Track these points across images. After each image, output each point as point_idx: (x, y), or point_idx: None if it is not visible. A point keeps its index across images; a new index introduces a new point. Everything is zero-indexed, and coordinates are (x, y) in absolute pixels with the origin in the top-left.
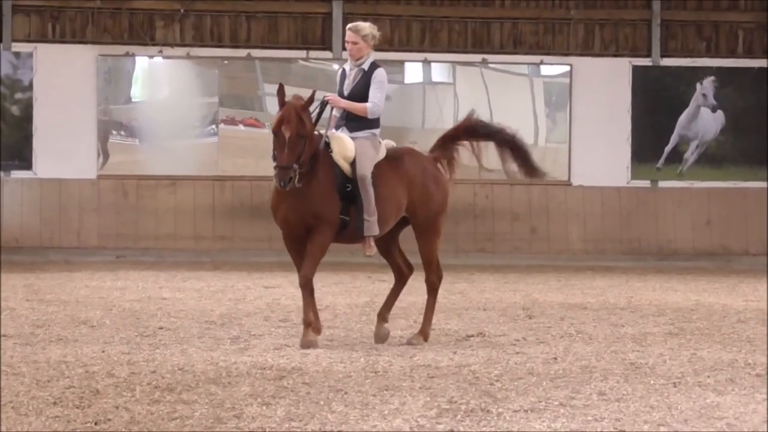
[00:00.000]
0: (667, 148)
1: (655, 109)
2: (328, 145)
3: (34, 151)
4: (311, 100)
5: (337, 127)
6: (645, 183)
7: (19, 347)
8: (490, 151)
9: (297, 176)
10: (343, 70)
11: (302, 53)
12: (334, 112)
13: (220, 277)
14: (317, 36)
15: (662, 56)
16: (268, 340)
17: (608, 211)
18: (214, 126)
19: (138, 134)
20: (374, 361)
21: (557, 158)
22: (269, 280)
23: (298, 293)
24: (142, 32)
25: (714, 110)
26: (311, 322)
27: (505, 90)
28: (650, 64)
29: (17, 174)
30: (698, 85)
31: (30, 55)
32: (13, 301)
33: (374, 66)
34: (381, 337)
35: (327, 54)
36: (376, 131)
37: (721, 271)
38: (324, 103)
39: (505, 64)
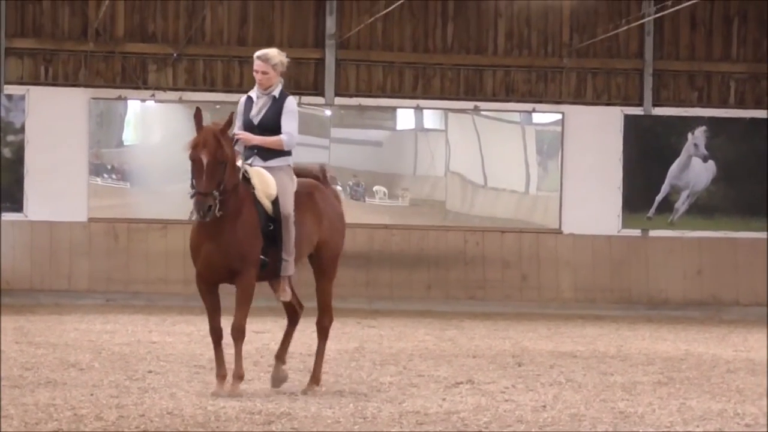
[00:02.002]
0: (658, 198)
1: (646, 158)
2: (247, 180)
3: (26, 193)
4: (230, 123)
5: (247, 158)
6: (636, 232)
7: (7, 389)
8: (478, 199)
9: (217, 205)
10: (249, 97)
11: (294, 99)
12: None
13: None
14: (310, 81)
15: (654, 105)
16: (257, 384)
17: (599, 259)
18: None
19: (129, 178)
20: (363, 407)
21: (548, 206)
22: (258, 324)
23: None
24: (134, 76)
25: (705, 160)
26: (242, 375)
27: (497, 137)
28: (642, 113)
29: (8, 216)
30: (690, 135)
31: (22, 97)
32: (3, 344)
33: (284, 94)
34: (279, 380)
35: (319, 99)
36: (290, 160)
37: (711, 321)
38: (234, 141)
39: (497, 112)
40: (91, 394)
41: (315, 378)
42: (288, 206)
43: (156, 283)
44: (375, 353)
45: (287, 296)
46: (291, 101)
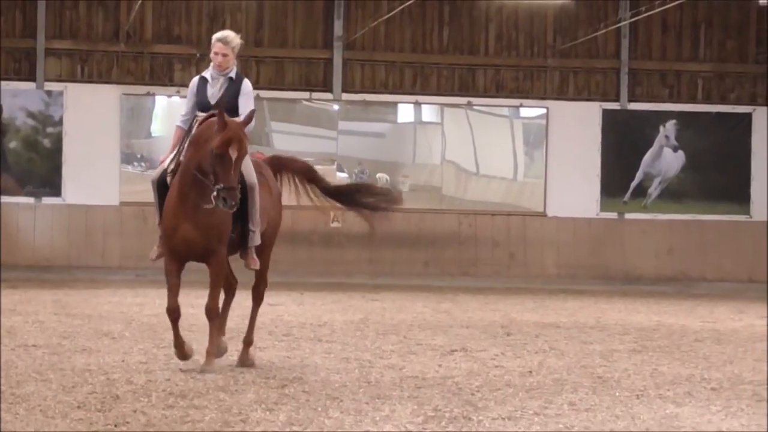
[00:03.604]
0: (633, 184)
1: (622, 148)
2: None
3: (64, 179)
4: (250, 118)
5: None
6: (613, 215)
7: (47, 356)
8: (471, 185)
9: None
10: (203, 78)
11: (306, 94)
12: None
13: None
14: (319, 79)
15: (629, 101)
16: (272, 352)
17: (579, 239)
18: None
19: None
20: (367, 373)
21: (534, 191)
22: (274, 298)
23: (300, 310)
24: (161, 74)
25: (675, 150)
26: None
27: (488, 130)
28: (619, 108)
29: (48, 200)
30: (661, 128)
31: (60, 93)
32: (43, 315)
33: (240, 76)
34: (219, 352)
35: (328, 95)
36: None
37: (681, 295)
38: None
39: (488, 107)
40: (123, 361)
41: (248, 340)
42: (252, 177)
43: None
44: (378, 324)
45: (257, 265)
46: (247, 83)
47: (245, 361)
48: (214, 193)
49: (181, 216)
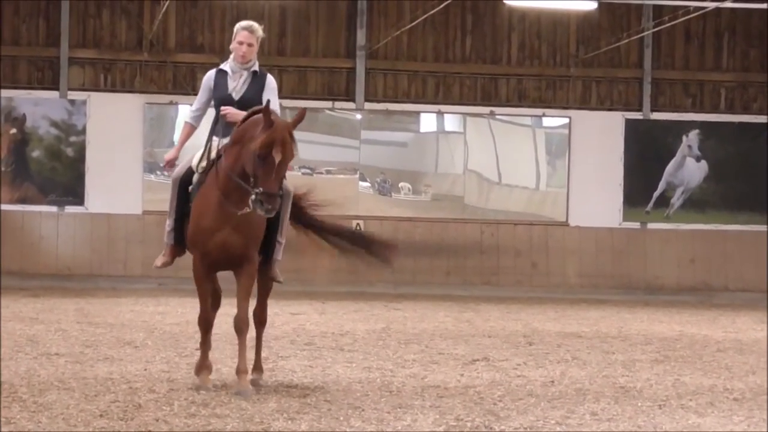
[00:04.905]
0: (656, 194)
1: (645, 158)
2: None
3: (86, 188)
4: (301, 118)
5: (225, 135)
6: (635, 224)
7: (69, 365)
8: (493, 195)
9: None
10: (221, 71)
11: (328, 104)
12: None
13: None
14: (342, 88)
15: (652, 111)
16: (293, 361)
17: (602, 249)
18: None
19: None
20: (389, 382)
21: (557, 201)
22: (295, 307)
23: (322, 319)
24: (184, 83)
25: (698, 160)
26: (248, 370)
27: (510, 139)
28: (641, 117)
29: (71, 209)
30: (684, 137)
31: (84, 102)
32: (65, 323)
33: (263, 72)
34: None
35: (351, 105)
36: None
37: (703, 305)
38: (220, 117)
39: (511, 116)
40: (145, 369)
41: (258, 365)
42: (288, 183)
43: None
44: (400, 333)
45: (281, 278)
46: (272, 79)
47: (247, 386)
48: (253, 197)
49: (220, 220)
